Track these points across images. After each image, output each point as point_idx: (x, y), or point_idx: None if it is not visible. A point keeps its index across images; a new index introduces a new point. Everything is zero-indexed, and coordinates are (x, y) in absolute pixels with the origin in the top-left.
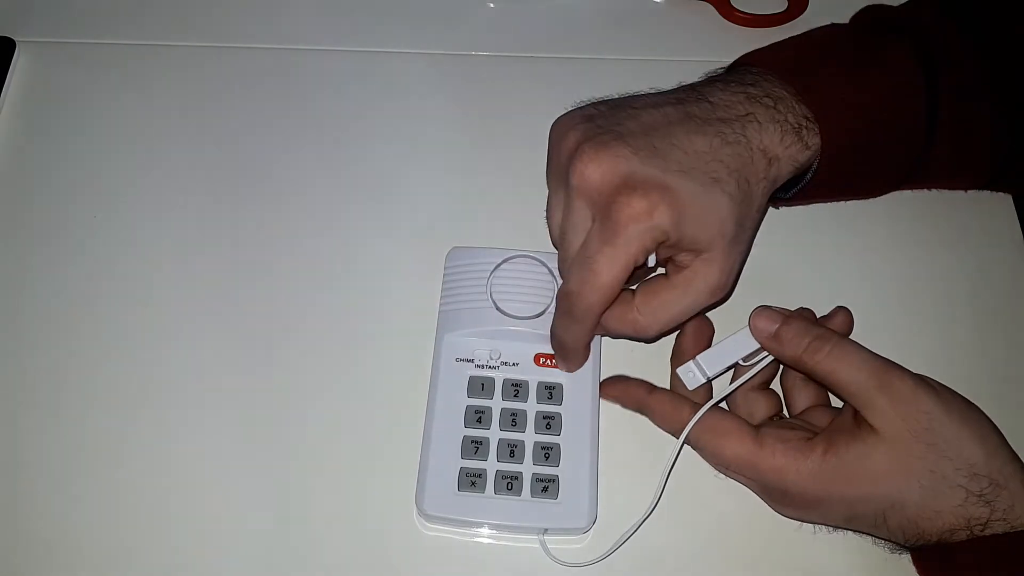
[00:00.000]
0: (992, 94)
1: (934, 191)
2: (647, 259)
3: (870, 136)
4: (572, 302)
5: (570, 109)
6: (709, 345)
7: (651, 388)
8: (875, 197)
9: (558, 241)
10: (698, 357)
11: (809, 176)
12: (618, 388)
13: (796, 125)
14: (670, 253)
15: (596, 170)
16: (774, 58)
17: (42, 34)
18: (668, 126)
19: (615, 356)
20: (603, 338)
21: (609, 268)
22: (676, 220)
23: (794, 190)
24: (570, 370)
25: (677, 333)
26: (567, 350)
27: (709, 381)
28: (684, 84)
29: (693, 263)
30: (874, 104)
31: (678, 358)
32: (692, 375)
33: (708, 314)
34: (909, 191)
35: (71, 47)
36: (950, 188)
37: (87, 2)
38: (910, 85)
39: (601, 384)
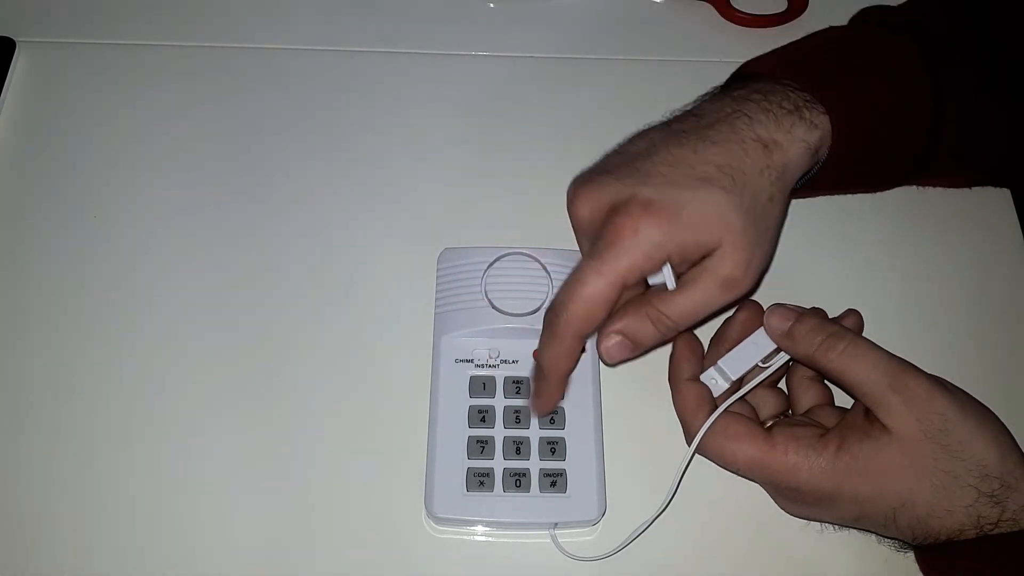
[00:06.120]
0: (993, 91)
1: (937, 190)
2: (659, 280)
3: (876, 118)
4: (554, 315)
5: None
6: (701, 360)
7: (693, 376)
8: (881, 191)
9: None
10: (719, 363)
11: (816, 165)
12: (679, 349)
13: (792, 108)
14: (688, 267)
15: (583, 205)
16: (767, 60)
17: (42, 34)
18: (652, 148)
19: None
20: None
21: (594, 281)
22: (667, 230)
23: (803, 180)
24: (541, 409)
25: (670, 352)
26: (542, 376)
27: (733, 384)
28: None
29: (704, 262)
30: (879, 90)
31: (676, 377)
32: (715, 382)
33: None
34: (914, 191)
35: (71, 47)
36: (954, 185)
37: (87, 2)
38: (914, 75)
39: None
